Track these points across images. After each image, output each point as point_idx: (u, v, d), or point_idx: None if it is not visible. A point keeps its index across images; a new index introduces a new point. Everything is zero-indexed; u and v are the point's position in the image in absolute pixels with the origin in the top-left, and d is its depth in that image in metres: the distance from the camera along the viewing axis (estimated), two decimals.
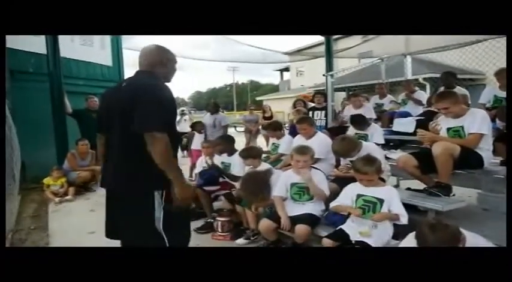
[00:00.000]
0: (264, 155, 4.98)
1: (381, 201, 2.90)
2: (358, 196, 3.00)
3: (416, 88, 6.55)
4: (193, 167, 7.47)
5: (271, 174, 3.86)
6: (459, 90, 5.44)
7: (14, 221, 4.09)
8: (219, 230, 4.14)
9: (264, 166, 4.21)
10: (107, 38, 9.87)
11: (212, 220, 4.26)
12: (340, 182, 3.56)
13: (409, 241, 2.11)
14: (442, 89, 5.77)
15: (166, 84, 2.19)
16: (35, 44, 7.40)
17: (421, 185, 3.64)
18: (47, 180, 6.46)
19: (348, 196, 3.08)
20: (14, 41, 6.57)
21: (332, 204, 3.13)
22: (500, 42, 6.34)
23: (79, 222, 4.89)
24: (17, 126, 4.84)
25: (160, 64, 2.17)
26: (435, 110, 4.42)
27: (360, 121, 5.02)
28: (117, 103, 2.04)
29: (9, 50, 6.01)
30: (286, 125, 8.52)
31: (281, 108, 21.69)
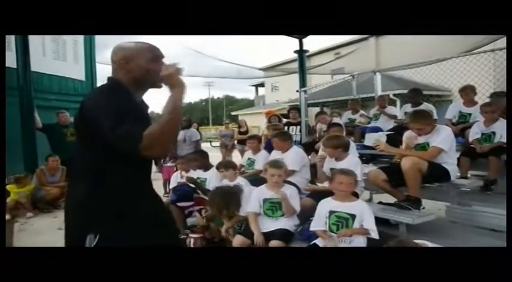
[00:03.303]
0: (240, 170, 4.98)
1: (353, 216, 2.93)
2: (331, 213, 3.02)
3: (386, 104, 6.75)
4: (165, 183, 7.40)
5: (241, 191, 3.87)
6: (426, 106, 5.65)
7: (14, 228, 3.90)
8: (192, 246, 4.08)
9: (239, 180, 4.22)
10: (81, 52, 9.76)
11: (185, 236, 4.19)
12: (316, 196, 3.59)
13: None
14: (409, 105, 5.98)
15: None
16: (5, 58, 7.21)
17: (392, 199, 3.72)
18: (10, 187, 5.97)
19: (322, 214, 3.10)
20: None
21: (312, 228, 3.13)
22: (463, 60, 6.66)
23: (47, 241, 4.71)
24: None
25: (118, 66, 1.67)
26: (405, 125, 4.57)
27: (337, 127, 5.09)
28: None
29: None
30: None
31: (256, 123, 21.79)
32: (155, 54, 1.68)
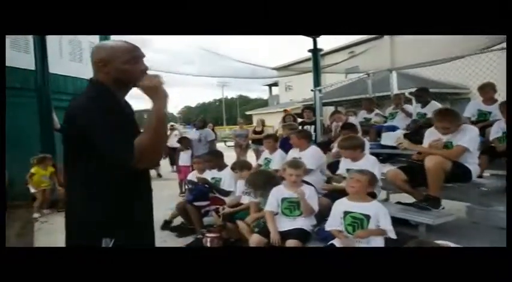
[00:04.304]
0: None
1: (368, 217, 2.89)
2: (345, 213, 2.99)
3: (403, 103, 6.66)
4: (181, 182, 7.46)
5: (278, 179, 3.89)
6: (434, 105, 5.58)
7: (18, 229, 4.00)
8: (208, 245, 4.09)
9: None
10: None
11: (201, 236, 4.21)
12: (333, 196, 3.56)
13: None
14: (419, 105, 5.91)
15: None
16: (23, 60, 7.37)
17: (410, 199, 3.67)
18: (35, 170, 6.28)
19: (336, 214, 3.07)
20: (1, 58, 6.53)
21: (327, 228, 3.12)
22: (482, 57, 6.52)
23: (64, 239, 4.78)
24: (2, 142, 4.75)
25: (97, 68, 1.64)
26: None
27: (351, 128, 5.04)
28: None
29: None
30: None
31: (271, 122, 21.78)
32: (133, 55, 1.64)
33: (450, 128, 3.50)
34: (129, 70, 1.62)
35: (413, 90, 12.12)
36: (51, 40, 7.73)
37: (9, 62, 7.29)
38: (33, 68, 7.20)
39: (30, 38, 7.47)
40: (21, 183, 6.67)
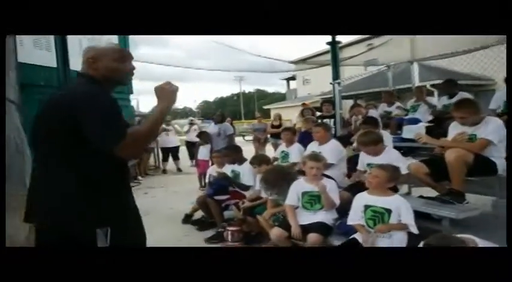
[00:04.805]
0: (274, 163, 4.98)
1: (389, 211, 2.86)
2: (366, 207, 2.97)
3: (425, 95, 6.53)
4: (200, 176, 7.54)
5: (294, 175, 3.87)
6: (462, 96, 5.43)
7: (28, 229, 4.11)
8: (229, 239, 4.12)
9: None
10: None
11: (222, 230, 4.25)
12: (353, 190, 3.54)
13: None
14: (445, 97, 5.78)
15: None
16: (46, 58, 7.53)
17: (433, 192, 3.61)
18: None
19: (357, 208, 3.05)
20: (25, 56, 6.69)
21: (349, 222, 3.10)
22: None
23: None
24: (28, 137, 4.88)
25: (87, 64, 1.76)
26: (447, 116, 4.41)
27: (372, 123, 4.96)
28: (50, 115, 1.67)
29: (20, 64, 6.13)
30: None
31: (288, 116, 21.70)
32: (121, 55, 1.81)
33: (467, 119, 3.42)
34: (117, 68, 1.77)
35: (436, 82, 11.93)
36: (72, 38, 7.88)
37: (33, 60, 7.51)
38: (55, 65, 7.36)
39: (51, 36, 7.61)
40: None
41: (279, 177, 3.82)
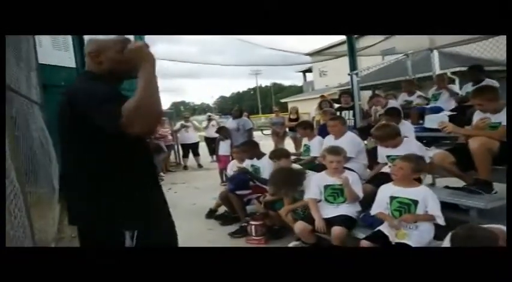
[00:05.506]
0: (293, 157, 4.98)
1: (415, 202, 2.83)
2: (392, 198, 2.94)
3: (446, 83, 6.39)
4: (221, 172, 7.59)
5: (302, 175, 3.86)
6: (488, 82, 5.28)
7: (56, 229, 4.23)
8: (253, 233, 4.15)
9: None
10: None
11: (246, 224, 4.28)
12: (376, 182, 3.51)
13: (448, 242, 2.06)
14: (470, 84, 5.63)
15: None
16: (65, 58, 7.70)
17: (457, 183, 3.55)
18: None
19: (382, 199, 3.03)
20: (45, 57, 6.86)
21: (373, 212, 3.08)
22: None
23: None
24: (53, 138, 5.00)
25: (90, 58, 1.70)
26: (470, 104, 4.31)
27: (394, 114, 4.87)
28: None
29: (41, 66, 6.29)
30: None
31: (306, 109, 21.60)
32: (125, 44, 1.64)
33: (486, 105, 3.35)
34: (121, 60, 1.63)
35: (456, 69, 11.64)
36: (90, 35, 8.03)
37: (53, 61, 7.68)
38: (74, 65, 7.50)
39: (69, 36, 7.75)
40: None
41: (287, 179, 3.80)
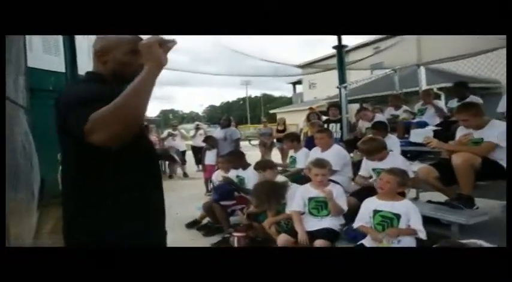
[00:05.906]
0: (279, 168, 4.96)
1: (398, 216, 2.83)
2: (375, 212, 2.94)
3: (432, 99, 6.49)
4: (207, 181, 7.53)
5: (284, 188, 3.85)
6: (472, 99, 5.38)
7: (32, 237, 4.12)
8: (235, 245, 4.10)
9: (280, 179, 4.21)
10: None
11: (229, 235, 4.22)
12: (360, 195, 3.51)
13: None
14: (455, 100, 5.73)
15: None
16: (54, 62, 7.62)
17: (440, 197, 3.57)
18: None
19: (365, 212, 3.03)
20: (35, 61, 6.77)
21: (356, 225, 3.08)
22: None
23: None
24: (36, 142, 4.91)
25: (96, 57, 1.61)
26: (454, 119, 4.38)
27: (381, 128, 4.90)
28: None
29: (30, 69, 6.20)
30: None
31: (295, 120, 21.69)
32: (134, 48, 1.49)
33: (470, 121, 3.43)
34: (127, 62, 1.55)
35: (442, 85, 11.85)
36: (81, 42, 7.96)
37: (42, 65, 7.60)
38: (63, 70, 7.42)
39: (60, 41, 7.68)
40: (52, 182, 6.88)
41: (269, 192, 3.80)
